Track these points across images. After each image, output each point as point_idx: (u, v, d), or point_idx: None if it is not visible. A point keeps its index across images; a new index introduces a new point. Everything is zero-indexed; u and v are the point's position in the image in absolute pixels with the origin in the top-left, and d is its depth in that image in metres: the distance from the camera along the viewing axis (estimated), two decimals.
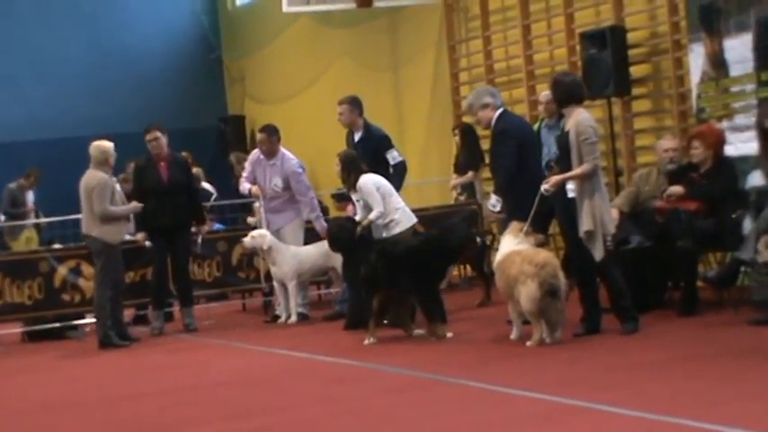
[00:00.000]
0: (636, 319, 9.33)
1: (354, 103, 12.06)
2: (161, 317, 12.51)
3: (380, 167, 11.50)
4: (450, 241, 10.18)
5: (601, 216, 9.18)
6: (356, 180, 11.00)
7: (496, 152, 10.45)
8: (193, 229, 12.53)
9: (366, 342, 10.01)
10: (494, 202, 10.27)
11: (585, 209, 9.16)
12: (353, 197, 11.28)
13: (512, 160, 10.15)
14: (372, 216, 10.89)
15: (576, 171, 9.23)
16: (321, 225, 12.30)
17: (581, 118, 9.28)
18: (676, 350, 8.49)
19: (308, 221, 12.86)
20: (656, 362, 8.05)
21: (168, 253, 12.29)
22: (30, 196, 15.17)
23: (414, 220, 11.08)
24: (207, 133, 20.25)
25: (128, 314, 13.45)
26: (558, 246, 11.69)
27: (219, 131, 20.63)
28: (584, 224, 9.15)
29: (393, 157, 11.88)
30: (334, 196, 15.61)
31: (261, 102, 20.42)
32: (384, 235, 10.93)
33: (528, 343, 9.17)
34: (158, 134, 12.27)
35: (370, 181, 11.02)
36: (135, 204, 11.78)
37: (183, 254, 12.43)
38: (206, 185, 17.11)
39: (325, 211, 15.06)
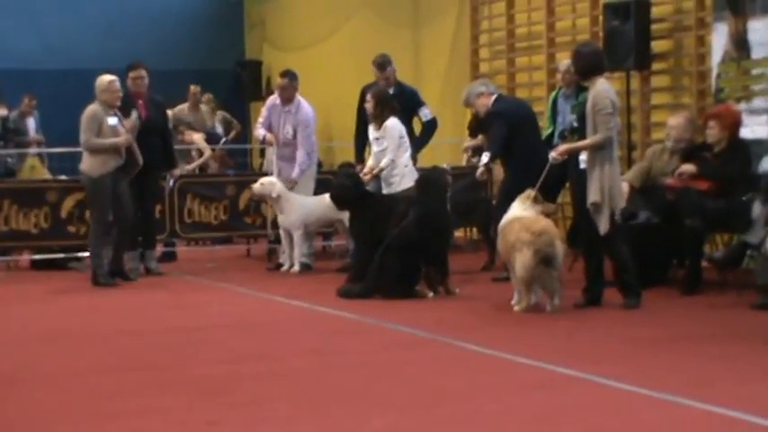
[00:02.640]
0: (639, 294, 9.32)
1: (391, 63, 12.23)
2: (136, 258, 12.28)
3: (407, 126, 11.61)
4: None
5: (610, 189, 9.15)
6: (387, 118, 11.06)
7: (489, 133, 10.83)
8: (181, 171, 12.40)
9: (430, 296, 10.07)
10: (485, 159, 10.67)
11: (594, 181, 9.13)
12: (373, 135, 11.33)
13: (499, 143, 10.57)
14: (384, 163, 11.01)
15: (587, 141, 9.20)
16: (296, 176, 12.33)
17: (600, 89, 9.23)
18: (676, 328, 8.50)
19: (319, 172, 12.93)
20: (654, 338, 8.05)
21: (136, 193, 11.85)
22: (31, 123, 15.11)
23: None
24: (223, 76, 20.14)
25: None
26: (567, 215, 11.67)
27: (236, 75, 20.54)
28: (592, 196, 9.13)
29: (425, 114, 12.06)
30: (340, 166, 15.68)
31: (279, 48, 20.32)
32: (384, 190, 11.04)
33: (516, 308, 9.22)
34: (143, 72, 12.12)
35: (398, 126, 11.24)
36: (122, 138, 11.30)
37: (151, 196, 12.26)
38: (218, 128, 17.14)
39: (320, 165, 15.08)
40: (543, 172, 9.53)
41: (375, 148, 11.41)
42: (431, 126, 12.14)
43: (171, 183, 12.64)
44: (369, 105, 11.37)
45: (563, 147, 9.55)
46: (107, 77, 11.45)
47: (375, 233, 10.45)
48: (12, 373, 7.26)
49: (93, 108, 11.37)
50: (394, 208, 10.54)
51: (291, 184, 12.34)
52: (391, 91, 12.00)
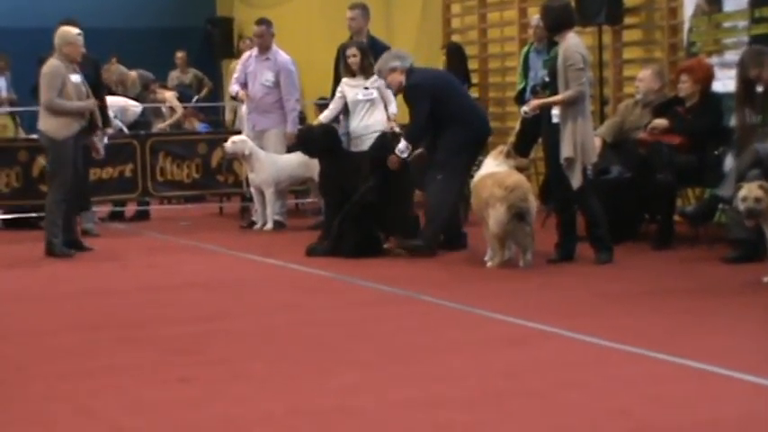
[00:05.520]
0: (610, 249, 9.33)
1: (366, 10, 12.18)
2: (91, 218, 12.19)
3: None
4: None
5: (583, 144, 9.14)
6: (372, 69, 10.99)
7: (410, 108, 10.23)
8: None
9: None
10: (402, 148, 9.94)
11: (567, 135, 9.12)
12: (361, 85, 11.40)
13: (422, 115, 9.96)
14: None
15: (558, 96, 9.18)
16: (292, 128, 12.29)
17: (570, 43, 9.20)
18: (648, 283, 8.52)
19: None
20: (626, 293, 8.07)
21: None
22: (2, 83, 14.97)
23: None
24: (193, 34, 19.94)
25: (104, 210, 13.48)
26: (540, 171, 11.66)
27: (207, 33, 20.36)
28: (565, 151, 9.12)
29: None
30: (319, 105, 15.58)
31: (250, 5, 20.13)
32: (352, 148, 11.04)
33: (488, 263, 9.23)
34: (78, 31, 11.72)
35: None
36: (89, 101, 10.60)
37: (85, 157, 11.23)
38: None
39: (303, 119, 15.04)
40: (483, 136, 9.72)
41: (361, 96, 11.36)
42: None
43: (101, 145, 11.98)
44: (354, 59, 11.32)
45: (534, 102, 9.55)
46: (72, 29, 10.64)
47: (344, 191, 10.38)
48: None
49: (53, 63, 10.45)
50: (363, 166, 10.44)
51: (291, 139, 12.19)
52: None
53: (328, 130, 11.07)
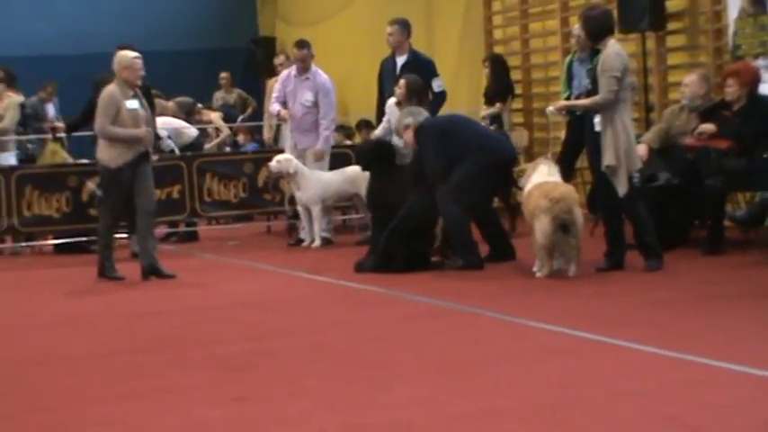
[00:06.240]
0: (660, 256, 9.28)
1: (405, 25, 12.19)
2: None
3: None
4: None
5: (625, 151, 9.08)
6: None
7: (422, 152, 10.17)
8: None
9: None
10: None
11: (608, 143, 9.07)
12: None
13: (435, 156, 9.96)
14: None
15: (585, 101, 9.19)
16: (322, 146, 12.35)
17: (611, 51, 9.15)
18: (700, 289, 8.46)
19: (334, 146, 12.95)
20: (678, 300, 8.02)
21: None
22: (50, 109, 15.15)
23: None
24: (237, 55, 20.12)
25: (159, 232, 13.45)
26: (587, 180, 11.62)
27: (250, 53, 20.51)
28: (607, 158, 9.07)
29: (438, 85, 11.93)
30: (358, 124, 15.66)
31: (292, 24, 20.26)
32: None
33: (537, 274, 9.23)
34: (136, 54, 11.72)
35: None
36: (141, 129, 10.33)
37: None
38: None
39: (350, 135, 15.11)
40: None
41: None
42: (440, 98, 11.97)
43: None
44: (399, 91, 11.25)
45: (562, 102, 9.58)
46: (130, 53, 10.41)
47: (391, 206, 10.37)
48: (36, 357, 7.29)
49: (109, 90, 10.32)
50: (407, 180, 10.42)
51: (320, 156, 12.30)
52: (405, 58, 11.97)
53: (382, 144, 11.12)
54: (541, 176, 9.49)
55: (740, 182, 10.09)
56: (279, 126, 14.45)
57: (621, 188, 9.11)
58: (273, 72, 18.27)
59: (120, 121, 10.29)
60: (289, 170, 12.19)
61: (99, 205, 11.53)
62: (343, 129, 16.22)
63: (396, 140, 11.27)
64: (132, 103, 10.36)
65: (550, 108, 9.57)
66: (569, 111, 10.63)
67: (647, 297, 8.19)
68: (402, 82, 11.21)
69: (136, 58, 10.39)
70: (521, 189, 9.99)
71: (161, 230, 13.57)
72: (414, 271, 9.88)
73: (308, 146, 12.52)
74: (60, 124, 13.65)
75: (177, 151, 13.58)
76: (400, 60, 12.06)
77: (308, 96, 12.44)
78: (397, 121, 10.54)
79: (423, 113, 10.39)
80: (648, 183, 10.15)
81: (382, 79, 12.33)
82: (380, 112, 12.37)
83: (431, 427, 5.17)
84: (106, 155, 10.36)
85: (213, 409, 5.66)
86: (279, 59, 15.37)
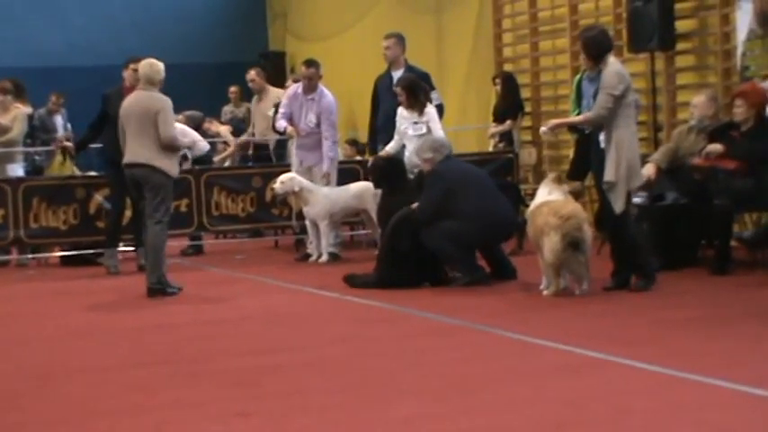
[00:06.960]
0: (650, 276, 9.19)
1: (401, 39, 12.29)
2: (115, 255, 12.25)
3: None
4: None
5: (627, 169, 9.05)
6: (425, 102, 11.05)
7: (423, 191, 10.19)
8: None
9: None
10: None
11: (611, 160, 9.05)
12: (410, 119, 11.39)
13: (431, 204, 9.96)
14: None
15: (577, 118, 9.19)
16: (327, 168, 12.35)
17: (611, 69, 9.12)
18: (706, 309, 8.45)
19: (345, 161, 12.97)
20: (684, 319, 8.01)
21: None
22: (59, 120, 15.20)
23: None
24: (247, 68, 20.13)
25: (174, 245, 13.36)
26: (594, 199, 11.62)
27: (260, 67, 20.51)
28: (607, 174, 9.05)
29: (435, 98, 11.92)
30: (347, 142, 15.83)
31: (302, 39, 20.32)
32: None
33: (544, 292, 9.21)
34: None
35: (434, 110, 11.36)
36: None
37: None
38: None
39: (362, 151, 15.15)
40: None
41: (411, 132, 11.38)
42: (438, 111, 12.03)
43: None
44: (401, 98, 11.32)
45: (553, 121, 9.60)
46: (161, 63, 10.47)
47: None
48: (44, 369, 7.29)
49: (165, 98, 10.24)
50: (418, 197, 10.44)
51: (327, 179, 12.35)
52: (401, 72, 12.02)
53: (392, 161, 11.12)
54: (543, 195, 9.49)
55: (748, 202, 10.09)
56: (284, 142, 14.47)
57: (618, 205, 9.08)
58: (282, 86, 18.35)
59: None
60: (294, 189, 12.20)
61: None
62: (356, 144, 16.27)
63: (407, 154, 11.28)
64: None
65: (543, 129, 9.55)
66: (577, 129, 10.62)
67: (653, 316, 8.18)
68: (398, 89, 11.36)
69: (162, 67, 10.45)
70: (527, 206, 9.99)
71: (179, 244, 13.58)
72: (417, 286, 9.91)
73: (314, 163, 12.52)
74: (70, 144, 13.66)
75: (190, 164, 13.58)
76: (396, 75, 12.11)
77: (311, 117, 12.44)
78: (419, 150, 10.48)
79: (443, 151, 10.28)
80: (656, 202, 10.14)
81: (378, 97, 12.39)
82: (372, 131, 12.44)
83: None
84: (168, 165, 10.26)
85: (218, 425, 5.66)
86: (288, 82, 15.40)
